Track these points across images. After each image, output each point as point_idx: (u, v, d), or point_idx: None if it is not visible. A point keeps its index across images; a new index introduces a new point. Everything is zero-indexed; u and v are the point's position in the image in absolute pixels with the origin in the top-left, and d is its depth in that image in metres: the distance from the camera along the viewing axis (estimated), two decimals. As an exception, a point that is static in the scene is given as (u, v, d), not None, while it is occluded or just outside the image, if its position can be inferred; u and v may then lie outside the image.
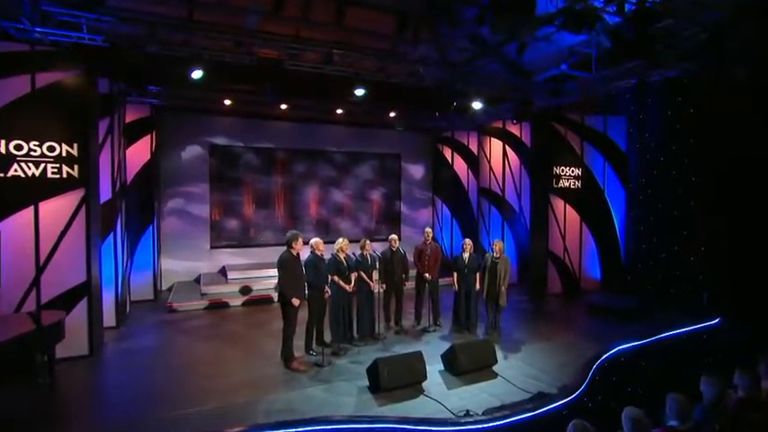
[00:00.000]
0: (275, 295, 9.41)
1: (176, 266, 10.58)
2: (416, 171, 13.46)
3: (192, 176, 10.88)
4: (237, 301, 9.23)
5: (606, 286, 9.97)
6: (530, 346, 6.63)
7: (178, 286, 10.04)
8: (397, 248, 7.49)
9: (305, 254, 6.23)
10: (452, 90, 9.14)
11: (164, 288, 10.22)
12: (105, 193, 6.93)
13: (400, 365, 5.17)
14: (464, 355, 5.54)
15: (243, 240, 11.54)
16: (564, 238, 9.90)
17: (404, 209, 13.33)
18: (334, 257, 6.59)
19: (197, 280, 10.46)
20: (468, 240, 7.48)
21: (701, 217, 8.45)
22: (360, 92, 8.57)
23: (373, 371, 5.13)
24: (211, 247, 11.12)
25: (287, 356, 5.87)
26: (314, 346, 6.42)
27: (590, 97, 9.82)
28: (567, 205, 9.91)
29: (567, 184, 9.86)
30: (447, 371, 5.69)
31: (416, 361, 5.31)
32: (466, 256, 7.35)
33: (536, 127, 9.87)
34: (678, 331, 6.34)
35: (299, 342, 6.16)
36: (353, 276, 6.76)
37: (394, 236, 7.62)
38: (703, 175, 8.43)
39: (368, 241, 7.21)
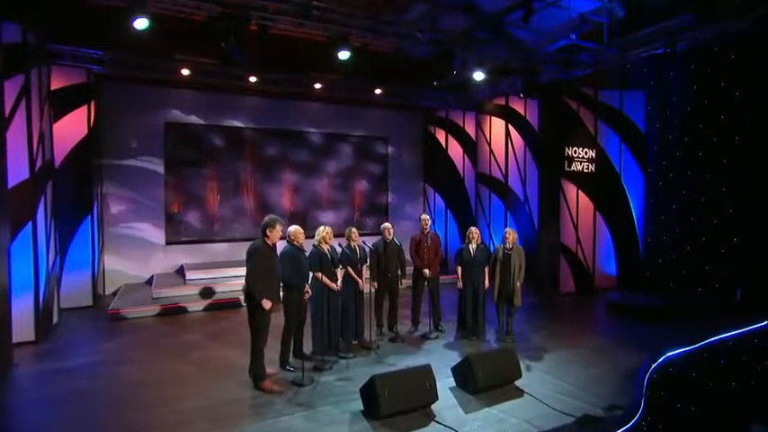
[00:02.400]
0: (243, 297, 8.42)
1: (123, 266, 9.40)
2: (405, 156, 12.59)
3: (143, 159, 9.70)
4: (197, 306, 8.16)
5: (623, 284, 9.32)
6: (553, 354, 5.84)
7: (125, 289, 8.87)
8: (392, 239, 6.61)
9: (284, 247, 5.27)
10: (451, 58, 8.29)
11: (107, 292, 9.04)
12: (18, 172, 5.76)
13: (404, 383, 4.27)
14: (482, 368, 4.68)
15: (205, 235, 10.44)
16: (577, 228, 9.20)
17: (391, 199, 12.44)
18: (317, 249, 5.65)
19: (149, 282, 9.31)
20: (474, 229, 6.65)
21: (735, 203, 7.85)
22: (344, 54, 7.64)
23: (370, 391, 4.20)
24: (167, 243, 9.98)
25: (257, 374, 4.88)
26: (291, 359, 5.48)
27: (605, 70, 9.16)
28: (580, 192, 9.21)
29: (579, 167, 9.15)
30: (460, 388, 4.82)
31: (424, 377, 4.41)
32: (473, 247, 6.53)
33: (545, 102, 9.12)
34: (728, 335, 5.64)
35: (272, 355, 5.19)
36: (340, 273, 5.84)
37: (387, 224, 6.72)
38: (738, 157, 7.82)
39: (354, 230, 6.32)
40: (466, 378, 4.77)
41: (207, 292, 8.60)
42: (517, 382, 4.91)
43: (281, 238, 5.19)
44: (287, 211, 11.28)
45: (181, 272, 9.52)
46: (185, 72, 8.91)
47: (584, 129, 9.27)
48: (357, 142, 12.06)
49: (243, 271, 9.21)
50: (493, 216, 10.46)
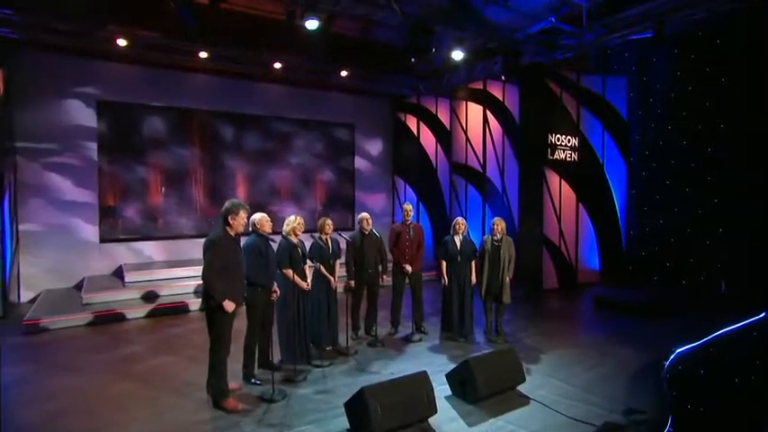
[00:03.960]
0: (195, 302, 7.63)
1: (45, 268, 8.29)
2: (374, 145, 12.08)
3: (70, 144, 8.64)
4: (139, 312, 7.28)
5: (606, 278, 9.26)
6: (551, 354, 5.52)
7: (46, 296, 7.81)
8: (371, 231, 6.10)
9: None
10: (428, 33, 7.88)
11: (23, 300, 7.94)
12: None
13: (398, 395, 3.75)
14: (483, 373, 4.25)
15: (147, 232, 9.47)
16: (560, 220, 9.04)
17: (358, 192, 11.89)
18: (287, 242, 5.05)
19: (78, 286, 8.27)
20: (461, 220, 6.24)
21: (720, 193, 7.92)
22: (312, 24, 7.07)
23: (358, 406, 3.66)
24: (102, 241, 8.96)
25: (218, 390, 4.21)
26: (256, 371, 4.86)
27: (588, 54, 9.09)
28: (563, 181, 9.06)
29: (562, 155, 9.00)
30: (458, 397, 4.38)
31: (420, 387, 3.92)
32: (458, 239, 6.13)
33: (528, 86, 8.88)
34: (730, 329, 5.55)
35: (233, 366, 4.54)
36: (309, 270, 5.28)
37: (366, 214, 6.22)
38: (723, 146, 7.89)
39: (329, 222, 5.76)
40: (464, 385, 4.33)
41: (150, 296, 7.73)
42: (520, 387, 4.53)
43: (249, 231, 4.58)
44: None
45: (119, 273, 8.55)
46: (122, 43, 7.97)
47: (567, 115, 9.13)
48: (321, 129, 11.43)
49: (191, 271, 8.54)
50: (470, 209, 10.16)
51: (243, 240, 4.53)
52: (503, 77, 8.94)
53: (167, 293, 7.92)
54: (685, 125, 8.37)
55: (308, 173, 11.30)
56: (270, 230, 4.80)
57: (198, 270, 8.30)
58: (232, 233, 4.26)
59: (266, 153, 10.73)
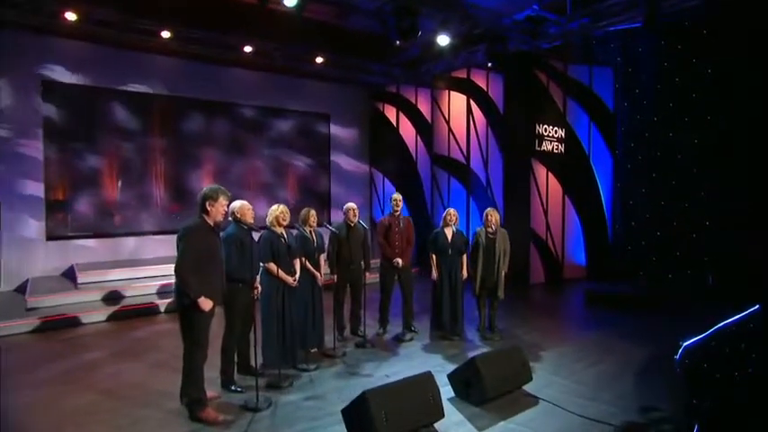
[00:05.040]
0: (161, 302, 7.13)
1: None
2: (350, 136, 11.75)
3: (10, 129, 7.89)
4: (97, 316, 6.69)
5: (593, 273, 9.27)
6: (551, 351, 5.37)
7: (-17, 299, 7.10)
8: (357, 223, 5.79)
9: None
10: (414, 14, 7.64)
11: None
12: None
13: (403, 399, 3.47)
14: (491, 372, 4.02)
15: (102, 228, 8.82)
16: (546, 214, 8.99)
17: (334, 185, 11.54)
18: (270, 233, 4.69)
19: (21, 288, 7.56)
20: (453, 211, 6.02)
21: (707, 186, 8.03)
22: (290, 1, 6.69)
23: (359, 412, 3.35)
24: (49, 239, 8.28)
25: (195, 399, 3.80)
26: (236, 376, 4.47)
27: (573, 42, 9.07)
28: (550, 174, 9.01)
29: (549, 147, 8.94)
30: (461, 398, 4.13)
31: (426, 389, 3.65)
32: (449, 231, 5.91)
33: (514, 75, 8.76)
34: (728, 321, 5.58)
35: (209, 373, 4.11)
36: (296, 264, 4.92)
37: (352, 204, 5.90)
38: (709, 138, 7.99)
39: (313, 213, 5.44)
40: (469, 386, 4.09)
41: (111, 297, 7.16)
42: (526, 387, 4.34)
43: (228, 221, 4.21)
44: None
45: (70, 274, 7.88)
46: (71, 17, 7.35)
47: (553, 105, 9.09)
48: (295, 119, 11.02)
49: (153, 271, 8.02)
50: (453, 203, 9.98)
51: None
52: (489, 64, 8.79)
53: (132, 294, 7.36)
54: (672, 117, 8.47)
55: (281, 165, 10.87)
56: (252, 220, 4.43)
57: (161, 269, 7.95)
58: (210, 222, 3.86)
59: (235, 143, 10.23)
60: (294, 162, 11.03)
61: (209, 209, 3.82)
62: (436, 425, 3.65)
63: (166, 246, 9.14)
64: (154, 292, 7.50)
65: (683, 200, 8.33)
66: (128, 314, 6.87)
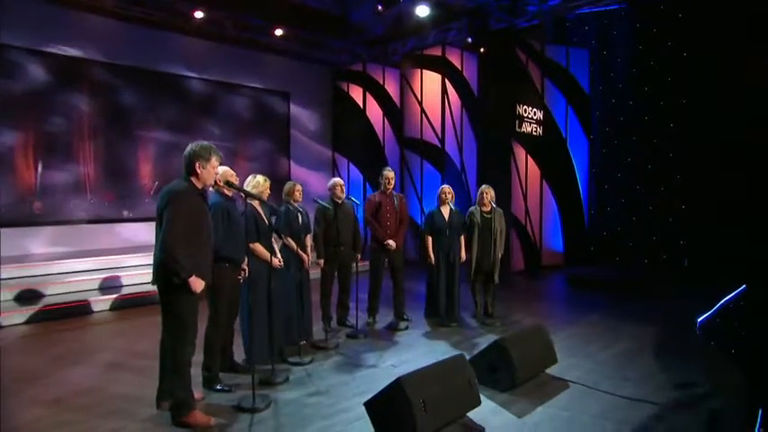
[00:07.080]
0: (95, 300, 6.33)
1: None
2: (312, 117, 11.21)
3: None
4: (13, 318, 5.75)
5: (570, 260, 9.39)
6: (560, 335, 5.19)
7: None
8: (345, 200, 5.38)
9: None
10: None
11: None
12: None
13: (439, 385, 3.13)
14: (519, 355, 3.78)
15: (18, 217, 7.71)
16: (526, 198, 8.99)
17: (294, 170, 10.96)
18: (252, 209, 4.18)
19: None
20: (447, 188, 5.77)
21: (683, 170, 8.34)
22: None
23: (392, 403, 2.96)
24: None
25: (180, 401, 3.21)
26: (221, 373, 3.94)
27: (549, 21, 9.17)
28: (529, 156, 9.02)
29: (529, 129, 8.95)
30: (487, 385, 3.83)
31: (461, 373, 3.34)
32: (446, 210, 5.66)
33: (495, 51, 8.66)
34: (727, 299, 5.78)
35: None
36: (275, 244, 4.49)
37: (339, 179, 5.50)
38: (685, 121, 8.30)
39: (299, 187, 5.02)
40: (495, 371, 3.82)
41: (28, 297, 6.23)
42: (549, 370, 4.16)
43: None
44: (148, 185, 9.05)
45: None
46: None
47: (532, 86, 9.10)
48: (251, 96, 10.32)
49: (83, 264, 7.16)
50: (426, 188, 9.76)
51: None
52: (469, 40, 8.65)
53: (57, 292, 6.45)
54: (647, 101, 8.73)
55: (235, 146, 10.12)
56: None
57: (94, 263, 7.09)
58: (199, 186, 3.32)
59: (182, 120, 9.37)
60: (250, 143, 10.34)
61: (198, 171, 3.27)
62: (471, 413, 3.35)
63: (102, 236, 8.26)
64: (88, 288, 6.66)
65: (659, 184, 8.62)
66: (54, 314, 5.98)
